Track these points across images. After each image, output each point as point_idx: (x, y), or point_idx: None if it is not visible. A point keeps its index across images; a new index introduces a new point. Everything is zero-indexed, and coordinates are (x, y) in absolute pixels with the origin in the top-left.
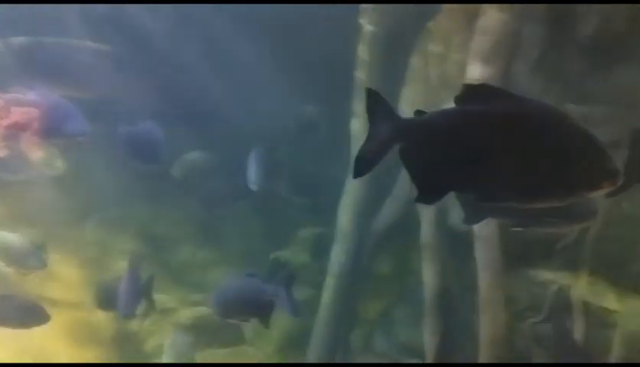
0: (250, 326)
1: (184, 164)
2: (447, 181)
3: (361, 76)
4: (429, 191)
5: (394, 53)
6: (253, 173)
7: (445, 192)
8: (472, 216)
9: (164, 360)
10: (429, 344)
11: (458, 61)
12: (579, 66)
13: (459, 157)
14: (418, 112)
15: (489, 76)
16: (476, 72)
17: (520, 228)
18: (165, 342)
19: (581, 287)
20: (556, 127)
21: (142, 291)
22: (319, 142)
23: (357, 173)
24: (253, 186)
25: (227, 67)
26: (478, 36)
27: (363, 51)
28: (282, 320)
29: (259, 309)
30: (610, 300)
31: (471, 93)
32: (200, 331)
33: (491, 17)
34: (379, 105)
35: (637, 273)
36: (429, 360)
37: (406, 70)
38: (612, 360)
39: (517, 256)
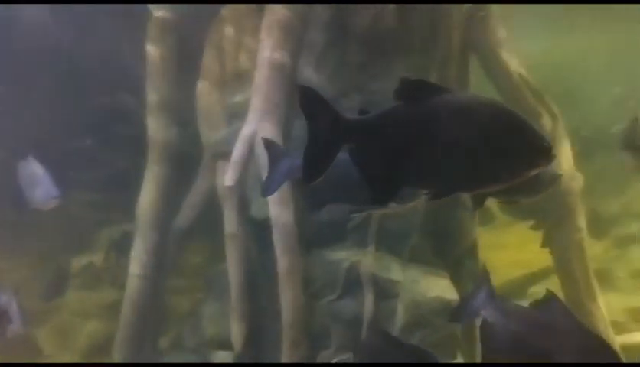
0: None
1: None
2: (400, 179)
3: (153, 64)
4: (382, 191)
5: (187, 40)
6: (41, 190)
7: (398, 190)
8: (314, 203)
9: None
10: (236, 334)
11: (250, 50)
12: (358, 57)
13: (409, 153)
14: (361, 111)
15: (278, 66)
16: (265, 62)
17: (357, 213)
18: None
19: (369, 262)
20: (492, 114)
21: None
22: (134, 133)
23: (308, 180)
24: (47, 204)
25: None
26: (266, 28)
27: (153, 37)
28: (86, 325)
29: None
30: (394, 272)
31: (409, 88)
32: None
33: (278, 11)
34: (317, 104)
35: (415, 245)
36: (236, 350)
37: (201, 58)
38: (397, 327)
39: (312, 238)
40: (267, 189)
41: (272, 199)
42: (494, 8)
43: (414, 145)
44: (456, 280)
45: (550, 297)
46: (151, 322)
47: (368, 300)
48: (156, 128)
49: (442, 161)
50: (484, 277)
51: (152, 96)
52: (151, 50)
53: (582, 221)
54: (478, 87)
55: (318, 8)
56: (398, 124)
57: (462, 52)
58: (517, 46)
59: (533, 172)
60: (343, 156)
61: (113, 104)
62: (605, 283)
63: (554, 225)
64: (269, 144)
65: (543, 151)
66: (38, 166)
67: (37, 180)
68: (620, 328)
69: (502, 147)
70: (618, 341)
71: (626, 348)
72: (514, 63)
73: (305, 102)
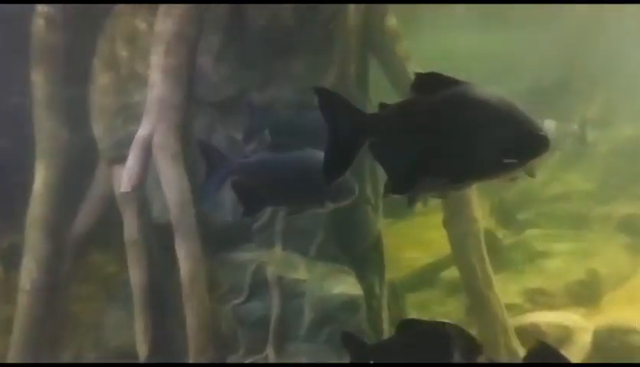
0: None
1: None
2: (418, 169)
3: (39, 63)
4: (403, 181)
5: (77, 37)
6: None
7: (418, 181)
8: (252, 207)
9: None
10: (140, 342)
11: (146, 48)
12: (258, 54)
13: (425, 144)
14: (381, 106)
15: (173, 66)
16: (160, 62)
17: (295, 214)
18: None
19: (275, 263)
20: (498, 105)
21: None
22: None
23: (331, 179)
24: None
25: None
26: (160, 26)
27: (39, 33)
28: None
29: None
30: (300, 271)
31: (422, 82)
32: None
33: (173, 8)
34: (335, 103)
35: (321, 243)
36: (141, 359)
37: (93, 56)
38: (305, 324)
39: (217, 241)
40: (206, 194)
41: (173, 203)
42: (391, 7)
43: (430, 136)
44: (361, 275)
45: (541, 346)
46: (47, 338)
47: (275, 301)
48: (44, 129)
49: (455, 151)
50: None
51: (39, 96)
52: (36, 46)
53: (477, 212)
54: (378, 85)
55: (215, 5)
56: (415, 116)
57: (361, 50)
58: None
59: (534, 160)
60: (278, 158)
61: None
62: (503, 266)
63: (451, 217)
64: (205, 147)
65: (543, 141)
66: None
67: None
68: (517, 310)
69: (507, 138)
70: (515, 323)
71: (522, 329)
72: (409, 60)
73: (323, 103)
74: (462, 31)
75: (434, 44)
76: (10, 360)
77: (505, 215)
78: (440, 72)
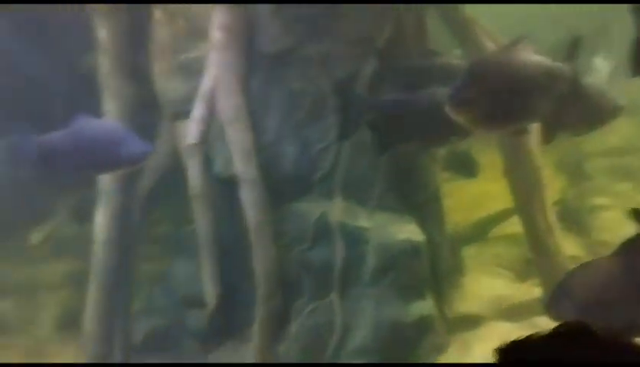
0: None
1: None
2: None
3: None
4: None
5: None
6: (129, 147)
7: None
8: (385, 146)
9: None
10: (209, 293)
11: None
12: (313, 9)
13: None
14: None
15: (232, 18)
16: (219, 15)
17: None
18: None
19: (337, 212)
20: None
21: None
22: None
23: None
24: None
25: None
26: None
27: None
28: (53, 297)
29: None
30: (362, 219)
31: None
32: None
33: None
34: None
35: (380, 193)
36: (210, 307)
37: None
38: (368, 271)
39: (278, 193)
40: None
41: (237, 156)
42: None
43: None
44: (421, 225)
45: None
46: (122, 288)
47: (338, 248)
48: (111, 87)
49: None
50: None
51: (105, 56)
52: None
53: (539, 160)
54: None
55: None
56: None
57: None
58: None
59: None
60: (409, 97)
61: None
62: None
63: (512, 166)
64: (340, 89)
65: (616, 108)
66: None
67: (121, 137)
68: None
69: (589, 101)
70: None
71: None
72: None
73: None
74: None
75: None
76: (88, 308)
77: (574, 168)
78: None
